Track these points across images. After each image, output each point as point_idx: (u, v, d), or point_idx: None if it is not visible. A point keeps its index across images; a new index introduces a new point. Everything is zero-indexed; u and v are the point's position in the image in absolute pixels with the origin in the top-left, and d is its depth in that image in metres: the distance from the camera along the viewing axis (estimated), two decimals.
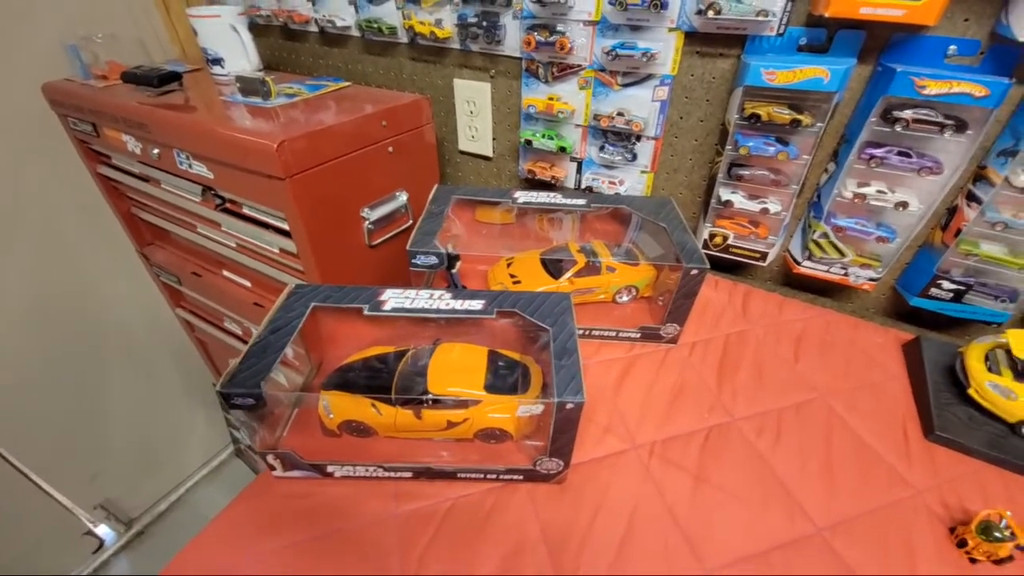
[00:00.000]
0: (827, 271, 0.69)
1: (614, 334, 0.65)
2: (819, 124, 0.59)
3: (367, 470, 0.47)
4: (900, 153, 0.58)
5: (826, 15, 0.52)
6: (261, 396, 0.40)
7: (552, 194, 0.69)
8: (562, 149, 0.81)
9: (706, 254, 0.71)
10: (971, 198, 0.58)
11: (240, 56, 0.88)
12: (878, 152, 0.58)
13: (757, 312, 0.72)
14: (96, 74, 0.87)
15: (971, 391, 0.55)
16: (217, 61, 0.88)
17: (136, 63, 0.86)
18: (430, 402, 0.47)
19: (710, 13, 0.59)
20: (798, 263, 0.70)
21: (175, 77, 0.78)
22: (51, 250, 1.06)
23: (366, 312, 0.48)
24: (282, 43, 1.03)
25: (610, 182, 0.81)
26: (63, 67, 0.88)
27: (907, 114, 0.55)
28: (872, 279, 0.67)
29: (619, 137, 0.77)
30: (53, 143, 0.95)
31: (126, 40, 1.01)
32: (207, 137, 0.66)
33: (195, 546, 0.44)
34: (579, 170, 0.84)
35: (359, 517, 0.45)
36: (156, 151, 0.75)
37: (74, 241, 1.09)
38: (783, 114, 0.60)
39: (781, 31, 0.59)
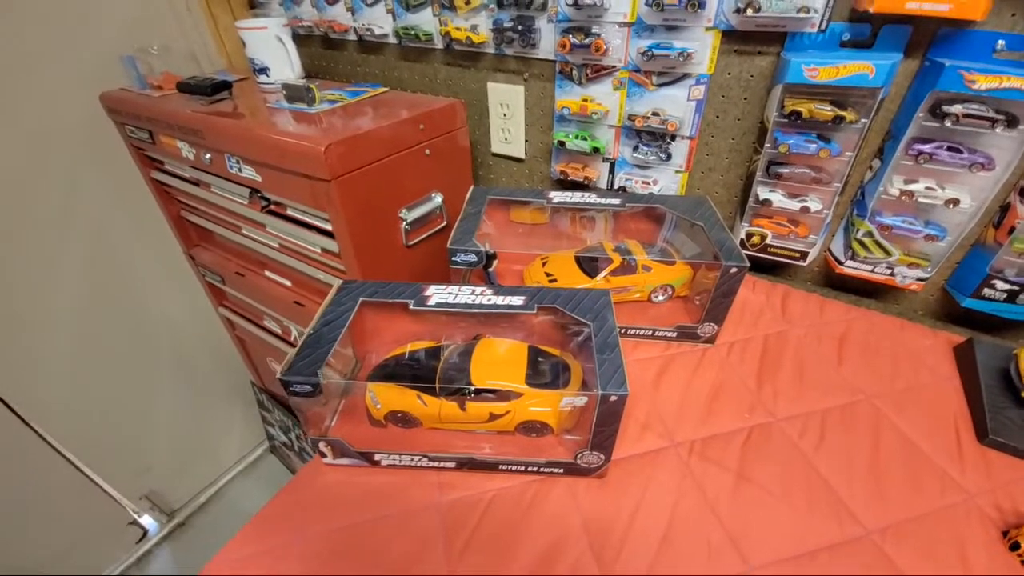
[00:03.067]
0: (872, 271, 0.67)
1: (650, 333, 0.65)
2: (863, 120, 0.58)
3: (412, 459, 0.49)
4: (950, 148, 0.56)
5: (871, 10, 0.52)
6: (318, 383, 0.42)
7: (587, 194, 0.70)
8: (595, 150, 0.81)
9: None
10: None
11: (285, 65, 0.92)
12: (927, 148, 0.57)
13: (797, 313, 0.71)
14: (152, 84, 0.93)
15: None
16: (263, 70, 0.92)
17: (187, 73, 0.91)
18: (473, 394, 0.48)
19: (749, 11, 0.59)
20: (840, 263, 0.69)
21: (226, 86, 0.82)
22: (104, 251, 1.12)
23: (411, 307, 0.49)
24: (322, 52, 1.07)
25: (643, 182, 0.81)
26: (117, 77, 0.94)
27: (957, 109, 0.54)
28: (920, 279, 0.65)
29: (653, 137, 0.77)
30: (107, 149, 1.00)
31: (177, 52, 1.07)
32: (258, 142, 0.70)
33: (253, 526, 0.46)
34: (612, 171, 0.84)
35: (405, 504, 0.47)
36: (208, 156, 0.79)
37: (125, 242, 1.15)
38: (825, 111, 0.59)
39: (823, 27, 0.58)
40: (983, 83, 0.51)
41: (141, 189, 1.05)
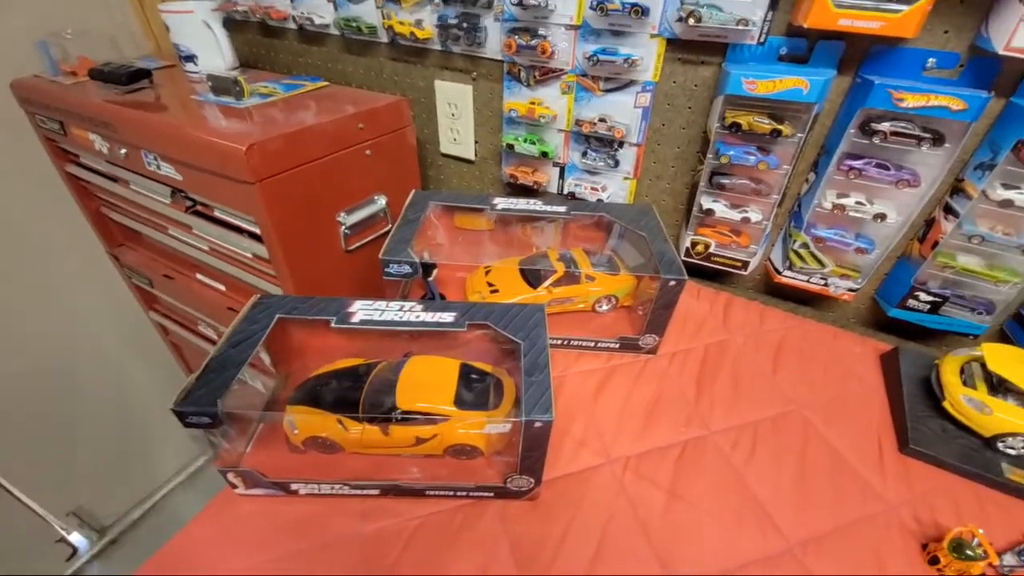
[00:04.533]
0: (807, 281, 0.69)
1: (593, 344, 0.64)
2: (799, 134, 0.59)
3: (332, 488, 0.46)
4: (878, 165, 0.57)
5: (805, 25, 0.52)
6: (217, 415, 0.38)
7: (532, 201, 0.68)
8: (544, 154, 0.79)
9: (688, 262, 0.71)
10: (948, 211, 0.58)
11: (214, 53, 0.85)
12: (857, 164, 0.58)
13: (738, 321, 0.71)
14: (65, 70, 0.84)
15: (946, 404, 0.55)
16: (190, 58, 0.85)
17: (108, 59, 0.83)
18: (398, 418, 0.45)
19: (691, 21, 0.58)
20: (779, 272, 0.70)
21: (144, 74, 0.75)
22: (19, 250, 1.03)
23: (333, 325, 0.46)
24: (260, 40, 1.01)
25: (593, 188, 0.80)
26: (35, 64, 0.85)
27: (885, 126, 0.55)
28: (851, 289, 0.67)
29: (601, 143, 0.76)
30: (21, 141, 0.92)
31: (98, 36, 0.97)
32: (174, 138, 0.64)
33: (155, 564, 0.42)
34: (562, 175, 0.82)
35: (323, 536, 0.44)
36: (123, 151, 0.72)
37: (42, 241, 1.05)
38: (763, 124, 0.59)
39: (762, 40, 0.58)
40: (911, 101, 0.52)
41: (58, 184, 0.96)
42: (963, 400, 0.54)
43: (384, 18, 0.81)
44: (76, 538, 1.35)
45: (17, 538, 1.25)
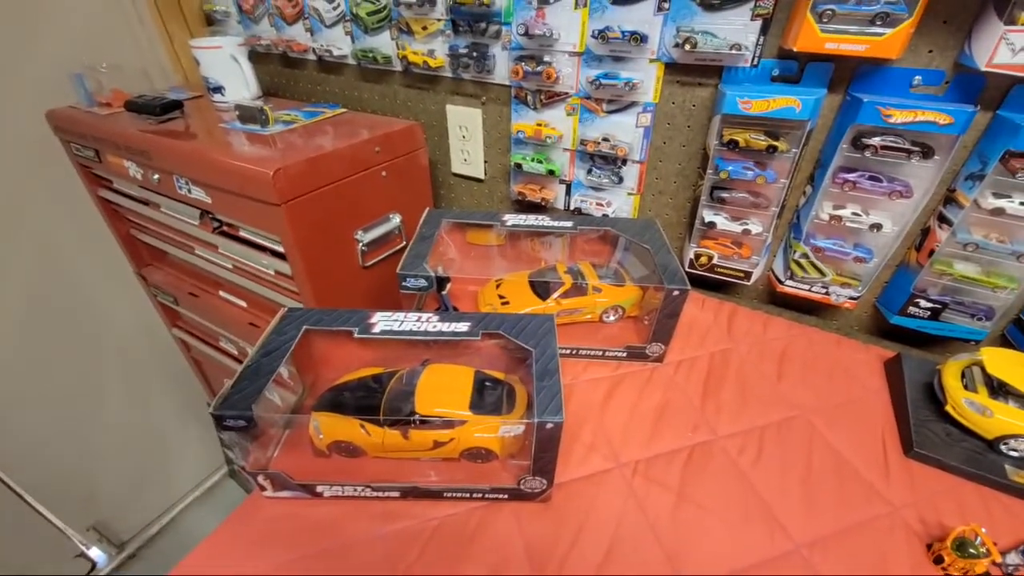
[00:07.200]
0: (809, 290, 0.71)
1: (601, 353, 0.67)
2: (794, 150, 0.62)
3: (355, 490, 0.48)
4: (871, 177, 0.60)
5: (795, 49, 0.55)
6: (252, 418, 0.41)
7: (540, 217, 0.71)
8: (551, 172, 0.83)
9: (692, 273, 0.73)
10: (942, 220, 0.60)
11: (240, 84, 0.91)
12: (850, 176, 0.61)
13: (742, 330, 0.73)
14: (100, 101, 0.90)
15: (948, 408, 0.56)
16: (218, 89, 0.91)
17: (140, 90, 0.89)
18: (417, 422, 0.48)
19: (687, 47, 0.61)
20: (781, 282, 0.72)
21: (177, 106, 0.81)
22: (49, 268, 1.08)
23: (356, 335, 0.49)
24: (281, 70, 1.07)
25: (598, 203, 0.83)
26: (67, 94, 0.91)
27: (875, 141, 0.57)
28: (852, 297, 0.69)
29: (606, 161, 0.79)
30: (54, 167, 0.97)
31: (130, 68, 1.04)
32: (206, 164, 0.69)
33: (186, 566, 0.44)
34: (568, 192, 0.86)
35: (346, 537, 0.46)
36: (157, 176, 0.77)
37: (72, 261, 1.11)
38: (760, 140, 0.62)
39: (755, 63, 0.61)
40: (899, 117, 0.55)
41: (89, 207, 1.01)
42: (965, 404, 0.55)
43: (399, 49, 0.86)
44: (95, 553, 1.38)
45: (37, 552, 1.27)
